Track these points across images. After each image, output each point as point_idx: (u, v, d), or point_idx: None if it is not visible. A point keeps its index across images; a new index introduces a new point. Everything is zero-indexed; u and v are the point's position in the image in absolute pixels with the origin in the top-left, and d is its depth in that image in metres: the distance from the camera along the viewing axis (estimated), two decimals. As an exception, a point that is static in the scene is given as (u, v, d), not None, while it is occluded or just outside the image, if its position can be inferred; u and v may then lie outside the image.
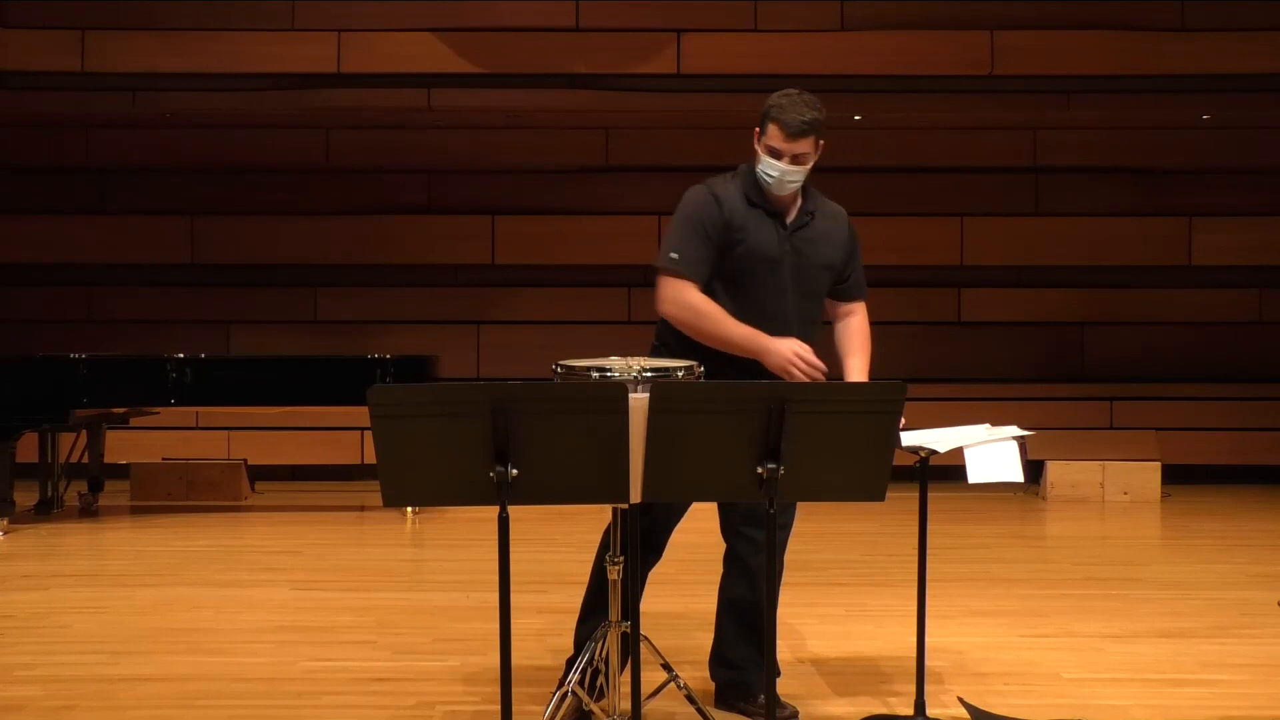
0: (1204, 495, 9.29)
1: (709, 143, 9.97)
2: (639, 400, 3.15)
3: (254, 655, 4.84)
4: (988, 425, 4.05)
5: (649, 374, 3.38)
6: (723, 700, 4.08)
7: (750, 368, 3.82)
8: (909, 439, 3.90)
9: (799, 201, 3.98)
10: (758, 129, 3.91)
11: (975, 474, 3.88)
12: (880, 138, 10.11)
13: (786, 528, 4.07)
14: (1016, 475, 3.87)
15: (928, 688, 4.02)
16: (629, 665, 3.47)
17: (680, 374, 3.50)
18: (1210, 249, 10.20)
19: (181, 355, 7.78)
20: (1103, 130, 10.06)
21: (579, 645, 4.03)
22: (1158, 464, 9.17)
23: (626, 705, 3.54)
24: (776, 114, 3.85)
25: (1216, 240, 10.19)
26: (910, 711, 4.01)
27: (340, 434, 9.62)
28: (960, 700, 4.21)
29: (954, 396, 9.52)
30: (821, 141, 3.91)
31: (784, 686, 4.18)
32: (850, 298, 4.12)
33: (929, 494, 3.91)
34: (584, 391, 3.30)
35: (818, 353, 3.84)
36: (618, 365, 3.48)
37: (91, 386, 7.60)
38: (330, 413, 8.74)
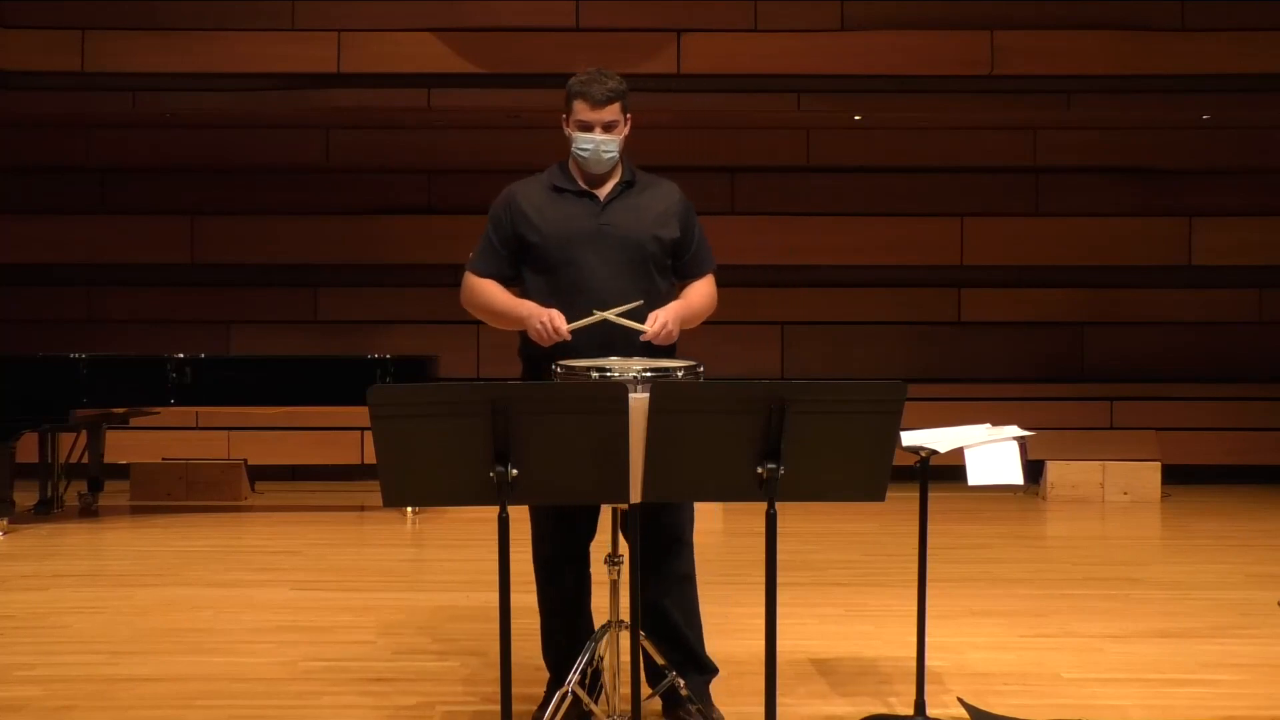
0: (1204, 495, 9.29)
1: (709, 142, 9.98)
2: (639, 400, 3.15)
3: (254, 655, 4.84)
4: (988, 426, 4.05)
5: (649, 374, 3.38)
6: (665, 709, 4.05)
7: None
8: (909, 439, 3.90)
9: (617, 177, 4.00)
10: (564, 115, 3.94)
11: (975, 475, 3.88)
12: (880, 138, 10.11)
13: (679, 541, 4.02)
14: (1016, 477, 3.87)
15: (928, 688, 4.02)
16: (629, 665, 3.47)
17: (680, 374, 3.50)
18: (1210, 249, 10.20)
19: (181, 355, 7.77)
20: (1103, 130, 10.06)
21: (553, 669, 4.03)
22: (1158, 464, 9.17)
23: (626, 705, 3.54)
24: (580, 88, 3.90)
25: (1216, 240, 10.19)
26: (910, 711, 4.01)
27: (340, 434, 9.62)
28: (960, 700, 4.21)
29: (954, 397, 9.53)
30: (629, 115, 3.94)
31: (784, 687, 4.18)
32: (690, 275, 4.06)
33: (929, 494, 3.91)
34: (584, 391, 3.30)
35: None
36: (618, 365, 3.48)
37: (91, 386, 7.60)
38: (330, 413, 8.73)
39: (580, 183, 3.98)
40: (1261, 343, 10.25)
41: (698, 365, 3.62)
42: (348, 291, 10.21)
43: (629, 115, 3.95)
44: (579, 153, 3.93)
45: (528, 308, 3.86)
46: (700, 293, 4.03)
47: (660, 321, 3.79)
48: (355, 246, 10.13)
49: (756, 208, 10.04)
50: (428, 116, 9.62)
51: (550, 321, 3.76)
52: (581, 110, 3.89)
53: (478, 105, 9.30)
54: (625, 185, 3.99)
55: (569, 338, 3.76)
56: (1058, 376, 10.15)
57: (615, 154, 3.93)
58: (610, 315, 3.75)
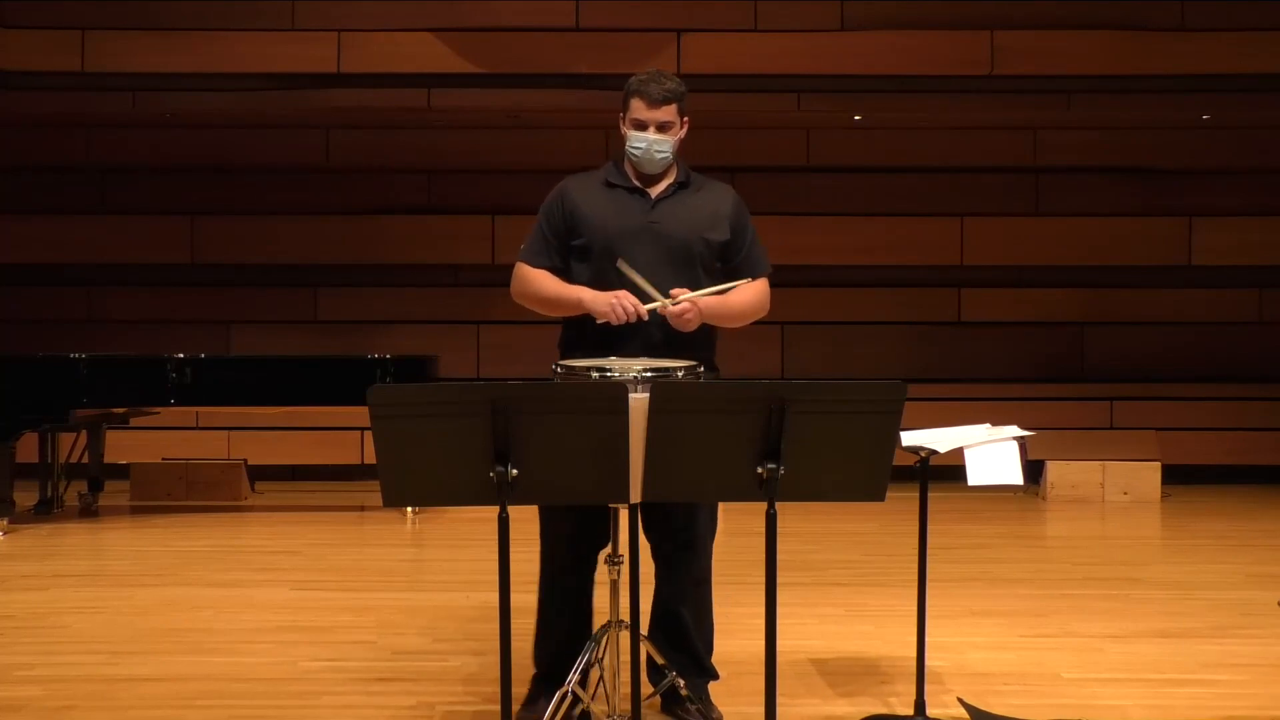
0: (1204, 495, 9.29)
1: (709, 142, 9.93)
2: (639, 400, 3.15)
3: (254, 655, 4.84)
4: (988, 425, 4.05)
5: (649, 374, 3.38)
6: (664, 707, 4.05)
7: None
8: (909, 439, 3.90)
9: (671, 178, 3.99)
10: (621, 114, 3.95)
11: (975, 475, 3.88)
12: (880, 138, 10.11)
13: (698, 546, 4.03)
14: (1016, 477, 3.87)
15: (928, 688, 4.02)
16: (629, 665, 3.47)
17: (680, 374, 3.49)
18: (1210, 249, 10.20)
19: (181, 355, 7.77)
20: (1103, 130, 10.06)
21: (542, 666, 4.01)
22: (1158, 464, 9.17)
23: (626, 705, 3.54)
24: (637, 87, 3.91)
25: (1216, 240, 10.19)
26: (910, 711, 4.01)
27: (340, 434, 9.62)
28: (960, 700, 4.21)
29: (954, 396, 9.52)
30: (686, 118, 3.95)
31: (784, 687, 4.18)
32: (742, 276, 4.00)
33: (929, 494, 3.91)
34: (584, 391, 3.30)
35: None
36: (618, 365, 3.48)
37: (91, 386, 7.60)
38: (330, 413, 8.73)
39: (633, 180, 3.97)
40: (1261, 343, 10.25)
41: (698, 365, 3.61)
42: (348, 291, 10.21)
43: (686, 118, 3.95)
44: (632, 151, 3.92)
45: (586, 291, 3.84)
46: (744, 292, 3.97)
47: (684, 303, 3.75)
48: (355, 246, 10.13)
49: (756, 208, 9.81)
50: (428, 116, 9.62)
51: (621, 300, 3.74)
52: (638, 109, 3.90)
53: (478, 105, 9.30)
54: (679, 186, 3.98)
55: (646, 316, 3.75)
56: (1058, 376, 10.15)
57: (669, 155, 3.93)
58: (636, 277, 3.73)
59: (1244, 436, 9.84)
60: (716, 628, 4.18)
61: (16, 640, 5.10)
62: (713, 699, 4.07)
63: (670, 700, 3.98)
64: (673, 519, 3.91)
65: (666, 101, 3.88)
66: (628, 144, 3.93)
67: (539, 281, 3.95)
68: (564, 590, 3.99)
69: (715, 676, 4.12)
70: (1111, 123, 9.89)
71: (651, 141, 3.89)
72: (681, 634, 4.01)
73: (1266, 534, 7.82)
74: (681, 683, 3.83)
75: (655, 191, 3.97)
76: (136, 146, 10.09)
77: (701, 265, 3.95)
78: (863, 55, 9.14)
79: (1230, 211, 10.21)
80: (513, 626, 3.21)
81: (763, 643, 3.25)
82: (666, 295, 3.80)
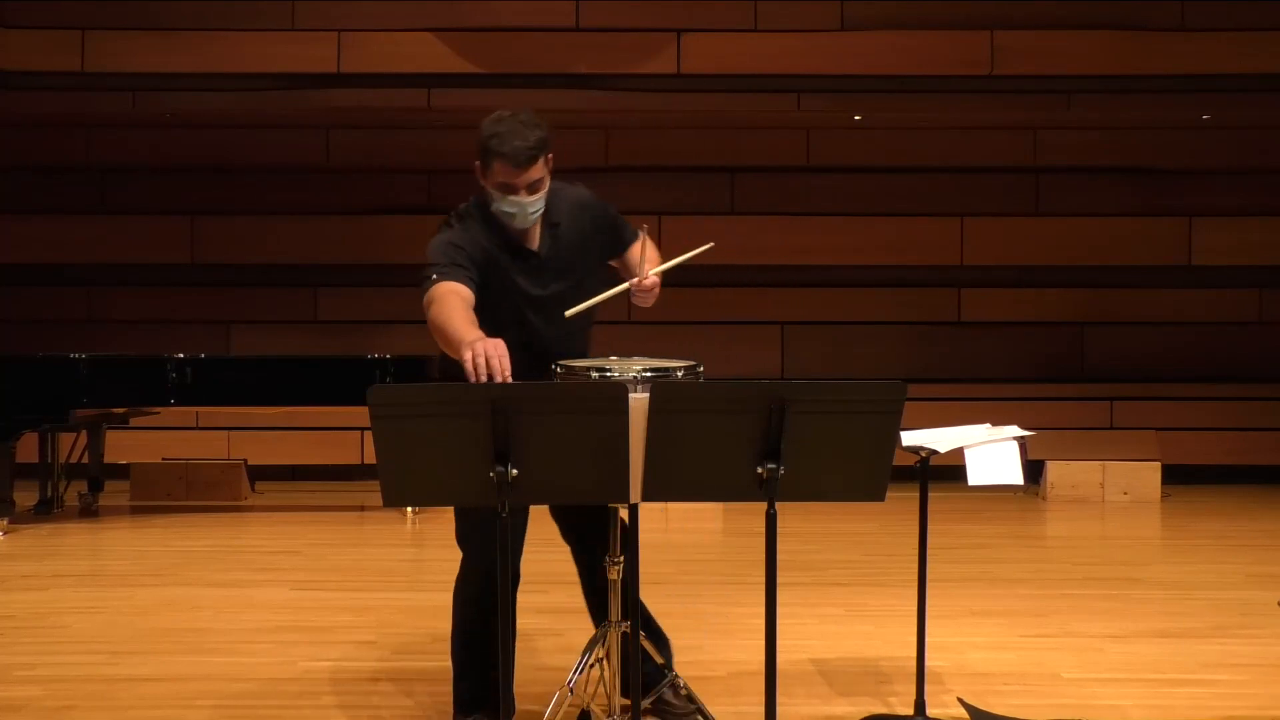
0: (1204, 495, 9.29)
1: (709, 143, 9.98)
2: (639, 400, 3.15)
3: (254, 655, 4.84)
4: (988, 425, 4.05)
5: (649, 374, 3.38)
6: (655, 708, 4.03)
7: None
8: (909, 439, 3.90)
9: (541, 219, 3.77)
10: (478, 163, 3.65)
11: (975, 475, 3.89)
12: (880, 138, 10.11)
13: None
14: (1016, 477, 3.87)
15: (928, 688, 4.02)
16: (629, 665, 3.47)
17: (680, 374, 3.50)
18: (1210, 249, 10.20)
19: (181, 355, 7.77)
20: (1103, 130, 10.06)
21: (466, 693, 3.90)
22: (1158, 464, 9.17)
23: (626, 703, 3.54)
24: (498, 146, 3.57)
25: (1216, 240, 10.19)
26: (910, 711, 4.01)
27: (340, 434, 9.62)
28: (960, 700, 4.21)
29: (954, 396, 9.53)
30: (550, 156, 3.66)
31: (784, 687, 4.18)
32: (630, 251, 3.91)
33: (929, 494, 3.91)
34: (584, 391, 3.30)
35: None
36: (618, 365, 3.48)
37: (91, 386, 7.60)
38: (330, 413, 8.73)
39: (510, 234, 3.74)
40: (1261, 343, 10.25)
41: (697, 365, 3.62)
42: (348, 291, 10.21)
43: (550, 155, 3.67)
44: (504, 213, 3.68)
45: (471, 334, 3.44)
46: (651, 250, 3.81)
47: (651, 280, 3.72)
48: (355, 246, 10.13)
49: (756, 208, 10.04)
50: (428, 116, 9.62)
51: (491, 363, 3.29)
52: (503, 173, 3.60)
53: (478, 105, 9.25)
54: (551, 228, 3.78)
55: (509, 379, 3.30)
56: (1058, 376, 10.15)
57: (541, 208, 3.72)
58: (583, 306, 3.69)
59: (1244, 436, 9.84)
60: (717, 628, 4.19)
61: (16, 640, 5.10)
62: (710, 698, 4.07)
63: (660, 700, 3.97)
64: (593, 531, 3.79)
65: (532, 161, 3.59)
66: (497, 204, 3.66)
67: (446, 306, 3.63)
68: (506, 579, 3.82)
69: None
70: (1111, 123, 9.89)
71: (524, 204, 3.65)
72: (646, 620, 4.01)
73: (1266, 534, 7.82)
74: (681, 682, 3.83)
75: (534, 242, 3.77)
76: (136, 146, 10.09)
77: (594, 291, 3.75)
78: (863, 55, 9.14)
79: (1230, 211, 10.21)
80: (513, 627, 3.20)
81: (762, 643, 3.25)
82: (574, 342, 3.79)
